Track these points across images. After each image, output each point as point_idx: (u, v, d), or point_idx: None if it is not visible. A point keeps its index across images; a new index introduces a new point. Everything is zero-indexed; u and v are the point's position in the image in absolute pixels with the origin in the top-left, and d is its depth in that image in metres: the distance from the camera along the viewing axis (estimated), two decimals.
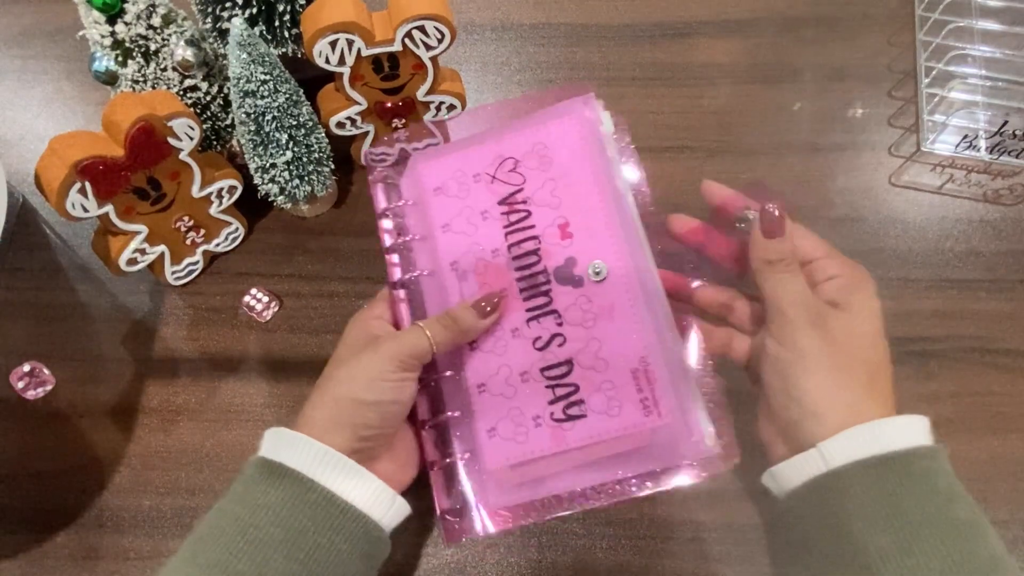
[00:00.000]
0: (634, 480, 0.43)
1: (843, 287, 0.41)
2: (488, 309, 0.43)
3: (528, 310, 0.44)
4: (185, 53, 0.49)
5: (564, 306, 0.44)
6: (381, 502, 0.40)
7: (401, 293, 0.48)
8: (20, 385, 0.53)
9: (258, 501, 0.37)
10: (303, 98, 0.50)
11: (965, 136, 0.60)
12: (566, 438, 0.43)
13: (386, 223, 0.50)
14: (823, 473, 0.37)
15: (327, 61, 0.50)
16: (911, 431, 0.37)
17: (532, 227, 0.45)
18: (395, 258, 0.49)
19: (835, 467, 0.36)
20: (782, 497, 0.40)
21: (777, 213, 0.41)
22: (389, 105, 0.55)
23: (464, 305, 0.43)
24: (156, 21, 0.48)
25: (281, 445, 0.39)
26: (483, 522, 0.43)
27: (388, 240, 0.49)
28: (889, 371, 0.40)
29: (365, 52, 0.50)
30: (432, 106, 0.56)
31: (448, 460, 0.45)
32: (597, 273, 0.44)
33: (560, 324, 0.44)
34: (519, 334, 0.44)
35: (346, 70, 0.51)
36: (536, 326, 0.44)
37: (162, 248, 0.53)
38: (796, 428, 0.39)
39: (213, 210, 0.54)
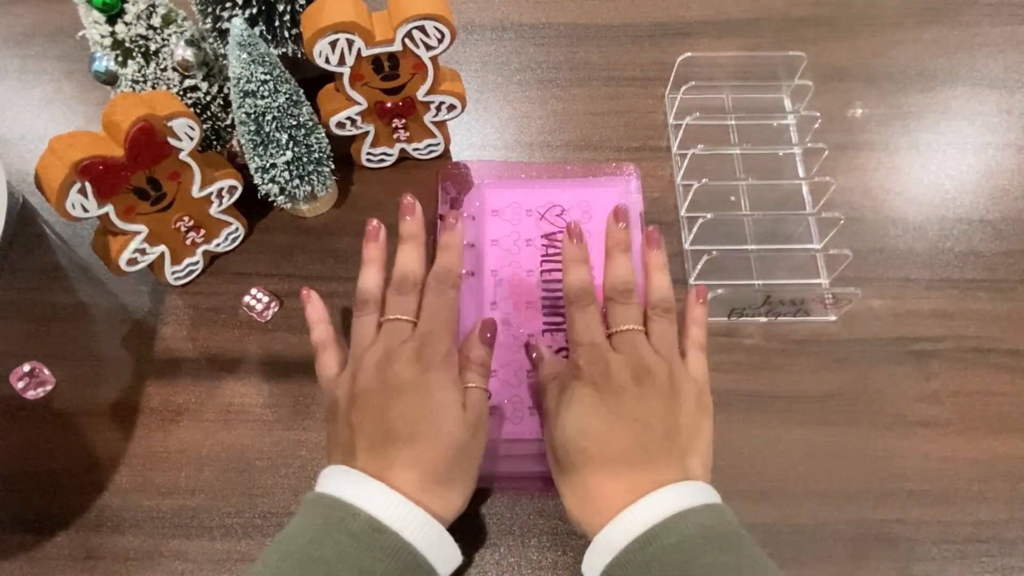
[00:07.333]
0: None
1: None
2: (488, 336, 0.46)
3: (545, 322, 0.53)
4: (185, 53, 0.49)
5: None
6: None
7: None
8: (20, 385, 0.53)
9: (374, 570, 0.37)
10: (303, 98, 0.50)
11: None
12: None
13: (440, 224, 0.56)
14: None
15: (327, 61, 0.50)
16: (630, 524, 0.38)
17: None
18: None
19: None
20: None
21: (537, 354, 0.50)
22: (389, 105, 0.55)
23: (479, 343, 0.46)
24: (156, 21, 0.48)
25: (414, 527, 0.39)
26: None
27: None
28: (591, 457, 0.41)
29: (365, 52, 0.50)
30: (432, 106, 0.56)
31: None
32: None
33: (568, 340, 0.49)
34: (534, 339, 0.52)
35: (346, 70, 0.51)
36: (549, 337, 0.53)
37: (162, 248, 0.53)
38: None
39: (213, 210, 0.54)
